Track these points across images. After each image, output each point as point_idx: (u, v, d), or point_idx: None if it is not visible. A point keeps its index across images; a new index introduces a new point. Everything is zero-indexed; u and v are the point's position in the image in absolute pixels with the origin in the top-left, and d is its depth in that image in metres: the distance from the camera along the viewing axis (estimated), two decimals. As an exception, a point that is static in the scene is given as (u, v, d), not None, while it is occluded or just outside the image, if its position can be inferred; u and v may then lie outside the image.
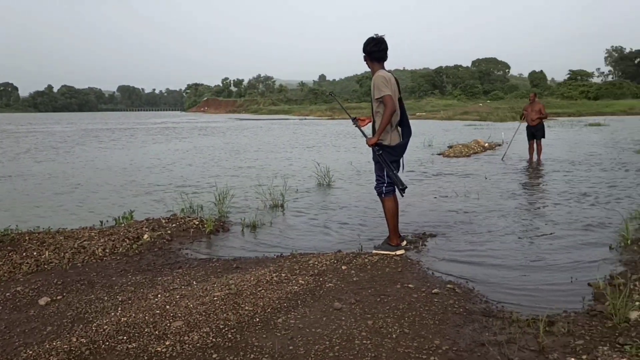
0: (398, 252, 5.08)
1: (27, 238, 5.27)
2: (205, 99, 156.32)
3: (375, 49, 4.96)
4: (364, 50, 5.02)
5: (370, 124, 5.19)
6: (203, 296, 3.88)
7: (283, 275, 4.40)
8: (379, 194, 5.12)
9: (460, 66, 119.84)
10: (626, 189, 8.75)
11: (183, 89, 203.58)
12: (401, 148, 5.04)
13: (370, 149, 4.98)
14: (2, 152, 19.06)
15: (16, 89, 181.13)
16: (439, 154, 15.71)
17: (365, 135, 5.09)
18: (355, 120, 5.25)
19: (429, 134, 25.20)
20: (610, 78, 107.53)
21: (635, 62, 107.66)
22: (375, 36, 4.97)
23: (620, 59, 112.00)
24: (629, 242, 5.16)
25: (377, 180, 5.12)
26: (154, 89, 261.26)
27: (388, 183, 5.00)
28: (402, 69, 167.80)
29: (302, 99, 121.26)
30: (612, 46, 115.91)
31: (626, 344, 2.89)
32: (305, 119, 64.36)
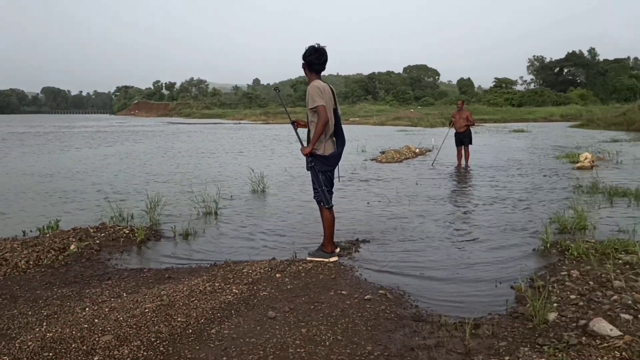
0: (332, 259, 5.15)
1: (-58, 251, 4.97)
2: (135, 102, 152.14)
3: (316, 61, 4.98)
4: (304, 59, 5.01)
5: (306, 129, 5.24)
6: (134, 308, 3.79)
7: (216, 284, 4.37)
8: (318, 202, 5.17)
9: (393, 72, 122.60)
10: (546, 193, 9.21)
11: (112, 91, 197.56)
12: (335, 158, 5.10)
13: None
14: None
15: None
16: (372, 160, 15.99)
17: (300, 142, 5.12)
18: (294, 124, 5.31)
19: (362, 139, 25.56)
20: (532, 86, 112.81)
21: (555, 71, 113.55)
22: (317, 46, 4.98)
23: (541, 68, 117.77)
24: (548, 245, 5.45)
25: (314, 190, 5.14)
26: (81, 91, 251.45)
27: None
28: (335, 74, 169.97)
29: (236, 103, 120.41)
30: (534, 56, 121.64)
31: (545, 345, 3.06)
32: (240, 123, 63.83)
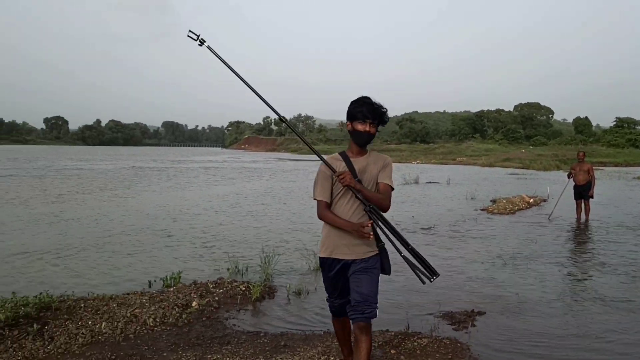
0: None
1: (82, 305, 5.38)
2: (246, 136, 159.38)
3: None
4: (386, 119, 3.50)
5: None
6: (254, 382, 3.87)
7: (332, 358, 4.37)
8: (370, 317, 3.36)
9: (502, 110, 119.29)
10: (682, 262, 8.43)
11: (225, 126, 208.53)
12: None
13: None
14: (46, 192, 19.66)
15: (66, 122, 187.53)
16: (482, 210, 15.48)
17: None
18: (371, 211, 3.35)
19: (470, 183, 24.94)
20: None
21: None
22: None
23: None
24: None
25: (370, 298, 3.39)
26: (197, 126, 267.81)
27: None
28: (442, 111, 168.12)
29: (341, 139, 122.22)
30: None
31: None
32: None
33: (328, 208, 3.50)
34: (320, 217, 3.54)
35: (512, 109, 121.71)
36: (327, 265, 3.57)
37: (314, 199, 3.54)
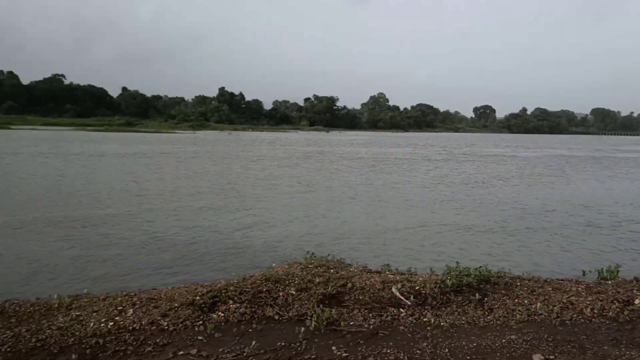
0: None
1: (517, 284, 5.56)
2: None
3: None
4: None
5: None
6: None
7: None
8: None
9: None
10: None
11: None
12: None
13: None
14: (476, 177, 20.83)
15: (494, 111, 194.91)
16: None
17: None
18: None
19: None
20: None
21: None
22: None
23: None
24: None
25: None
26: (632, 112, 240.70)
27: None
28: None
29: None
30: None
31: None
32: None
33: None
34: None
35: None
36: None
37: None
